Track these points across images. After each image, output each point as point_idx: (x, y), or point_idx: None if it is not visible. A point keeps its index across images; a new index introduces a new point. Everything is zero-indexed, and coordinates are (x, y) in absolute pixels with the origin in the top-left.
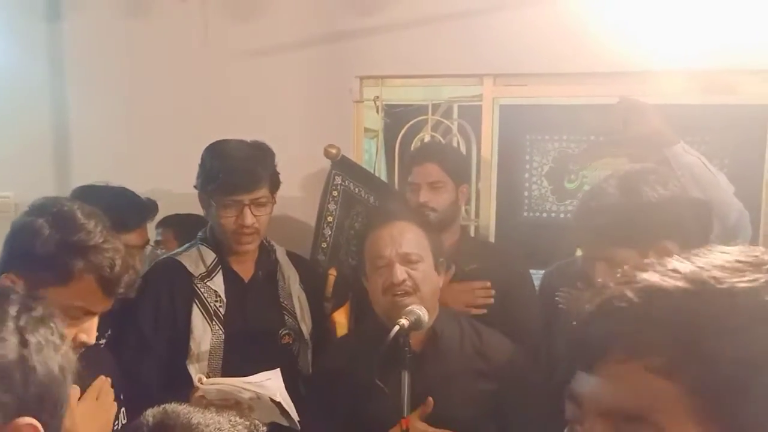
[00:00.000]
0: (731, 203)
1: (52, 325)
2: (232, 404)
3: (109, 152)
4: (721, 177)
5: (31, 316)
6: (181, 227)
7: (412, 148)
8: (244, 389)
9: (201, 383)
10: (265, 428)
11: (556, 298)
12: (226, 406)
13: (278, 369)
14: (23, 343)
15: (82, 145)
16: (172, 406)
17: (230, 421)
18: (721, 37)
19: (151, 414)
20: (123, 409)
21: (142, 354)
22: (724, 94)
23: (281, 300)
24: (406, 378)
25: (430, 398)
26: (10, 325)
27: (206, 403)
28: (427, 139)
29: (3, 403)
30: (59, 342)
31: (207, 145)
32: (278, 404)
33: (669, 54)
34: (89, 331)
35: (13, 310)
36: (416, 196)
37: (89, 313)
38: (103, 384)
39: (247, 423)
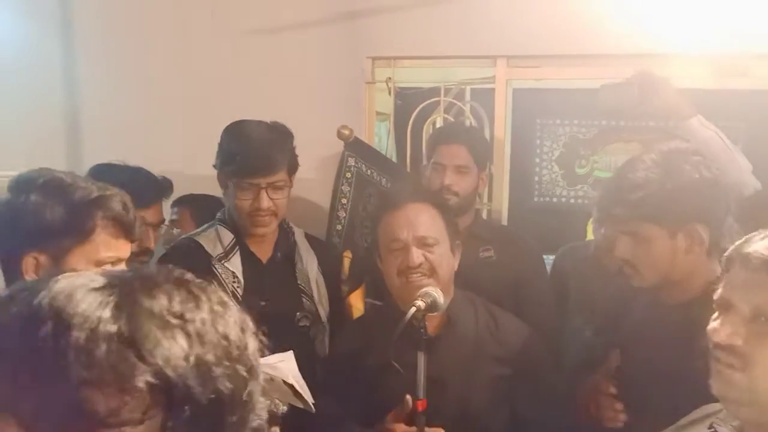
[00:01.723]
0: (747, 181)
1: None
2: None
3: (120, 131)
4: (738, 154)
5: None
6: (198, 207)
7: (425, 131)
8: None
9: None
10: (285, 407)
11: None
12: None
13: (291, 351)
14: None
15: (94, 124)
16: None
17: None
18: (735, 21)
19: None
20: None
21: None
22: (738, 78)
23: (299, 282)
24: (422, 359)
25: (408, 397)
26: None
27: None
28: (439, 121)
29: None
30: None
31: (218, 125)
32: (291, 386)
33: (683, 38)
34: None
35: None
36: (439, 176)
37: (118, 261)
38: None
39: (267, 402)
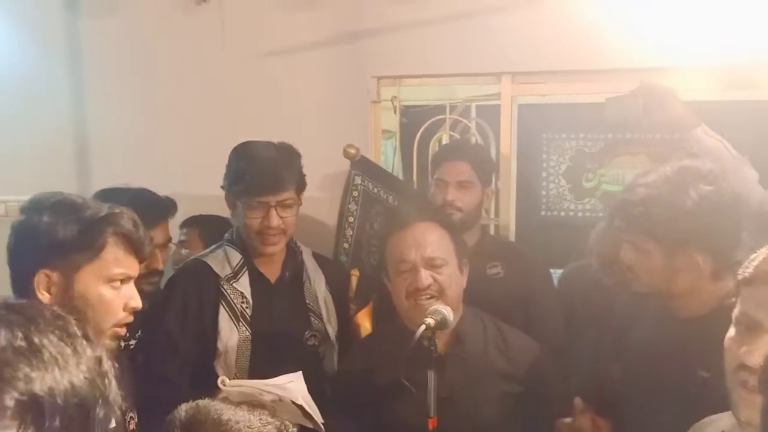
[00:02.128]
0: (754, 190)
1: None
2: (256, 405)
3: (128, 154)
4: (745, 163)
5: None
6: (206, 227)
7: (431, 148)
8: (266, 392)
9: (224, 385)
10: (295, 429)
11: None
12: (266, 407)
13: (300, 372)
14: (104, 373)
15: (103, 147)
16: (205, 402)
17: (261, 419)
18: (739, 32)
19: (183, 409)
20: (131, 414)
21: (170, 354)
22: (744, 90)
23: (307, 301)
24: (432, 377)
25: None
26: (89, 347)
27: (254, 404)
28: (445, 138)
29: None
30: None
31: (224, 146)
32: (300, 407)
33: (686, 50)
34: (136, 297)
35: (79, 332)
36: (442, 193)
37: (128, 278)
38: None
39: (278, 423)
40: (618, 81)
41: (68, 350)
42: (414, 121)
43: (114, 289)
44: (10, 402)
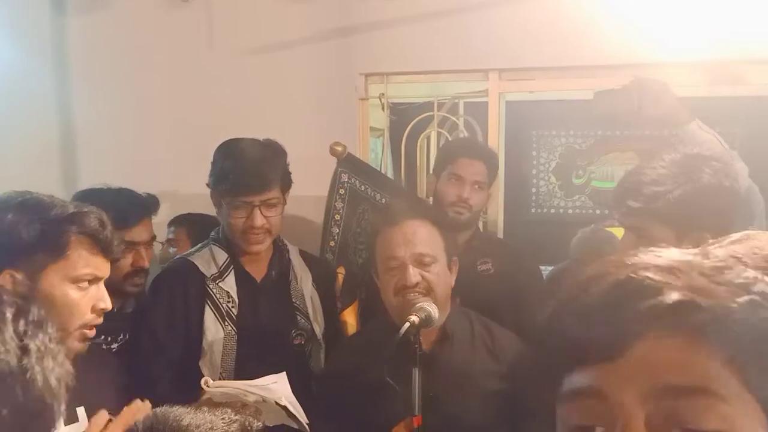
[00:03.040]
0: (744, 181)
1: (50, 330)
2: (239, 407)
3: (114, 152)
4: (735, 158)
5: (29, 319)
6: (194, 226)
7: (419, 145)
8: (250, 392)
9: (207, 386)
10: (260, 424)
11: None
12: (229, 405)
13: (284, 373)
14: (23, 349)
15: (89, 146)
16: (163, 409)
17: (223, 419)
18: (727, 27)
19: (141, 420)
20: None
21: (156, 354)
22: (732, 85)
23: (293, 300)
24: (416, 375)
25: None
26: (9, 329)
27: (216, 403)
28: (433, 136)
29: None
30: (57, 349)
31: (210, 143)
32: (284, 408)
33: (676, 45)
34: (105, 298)
35: (9, 313)
36: (457, 189)
37: (96, 279)
38: (103, 419)
39: (242, 419)
40: (607, 77)
41: None
42: (402, 118)
43: (81, 290)
44: None
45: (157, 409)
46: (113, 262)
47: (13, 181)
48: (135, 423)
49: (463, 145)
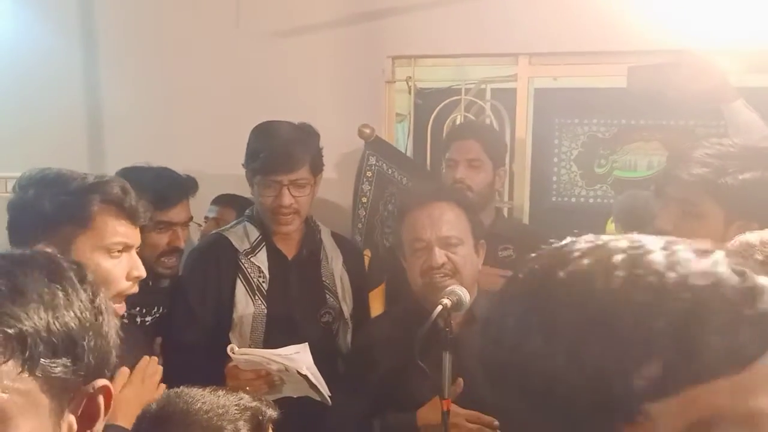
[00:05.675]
0: None
1: (103, 290)
2: (264, 374)
3: (143, 133)
4: None
5: (88, 280)
6: (237, 206)
7: (445, 129)
8: (273, 360)
9: (233, 353)
10: (275, 413)
11: None
12: (257, 377)
13: (306, 344)
14: (97, 308)
15: (117, 126)
16: (177, 391)
17: (237, 405)
18: (761, 15)
19: (155, 400)
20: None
21: (189, 324)
22: (765, 74)
23: (323, 279)
24: (447, 359)
25: (460, 379)
26: (79, 289)
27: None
28: (459, 120)
29: (85, 364)
30: (113, 308)
31: (237, 125)
32: (305, 377)
33: (707, 32)
34: (138, 266)
35: (73, 274)
36: (453, 172)
37: (127, 247)
38: (147, 365)
39: (255, 407)
40: (637, 63)
41: (58, 290)
42: (428, 102)
43: (113, 259)
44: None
45: (172, 391)
46: (139, 227)
47: (41, 159)
48: (148, 404)
49: (455, 129)
